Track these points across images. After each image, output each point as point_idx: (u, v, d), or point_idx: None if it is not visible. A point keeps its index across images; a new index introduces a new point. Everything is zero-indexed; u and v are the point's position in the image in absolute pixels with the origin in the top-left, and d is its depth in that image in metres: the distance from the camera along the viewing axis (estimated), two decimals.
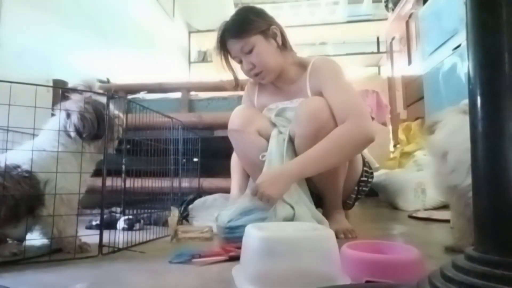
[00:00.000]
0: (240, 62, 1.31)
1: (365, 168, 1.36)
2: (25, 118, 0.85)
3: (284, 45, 1.31)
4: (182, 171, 1.68)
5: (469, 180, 0.41)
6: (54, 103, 1.96)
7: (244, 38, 1.24)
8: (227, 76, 1.38)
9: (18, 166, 0.92)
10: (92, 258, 0.92)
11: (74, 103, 1.01)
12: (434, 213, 1.76)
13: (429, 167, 1.03)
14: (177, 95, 2.16)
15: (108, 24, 2.77)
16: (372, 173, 1.40)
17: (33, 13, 1.98)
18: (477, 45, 0.39)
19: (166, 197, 1.42)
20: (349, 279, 0.64)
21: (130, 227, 1.34)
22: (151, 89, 2.18)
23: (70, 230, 0.97)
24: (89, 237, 1.00)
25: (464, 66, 2.08)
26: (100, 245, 0.95)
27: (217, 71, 1.37)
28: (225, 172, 1.95)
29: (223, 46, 1.31)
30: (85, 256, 0.93)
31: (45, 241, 1.00)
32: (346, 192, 1.33)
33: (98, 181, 1.00)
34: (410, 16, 3.16)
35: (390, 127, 3.37)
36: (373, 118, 2.21)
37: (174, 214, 1.15)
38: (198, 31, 4.70)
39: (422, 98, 2.75)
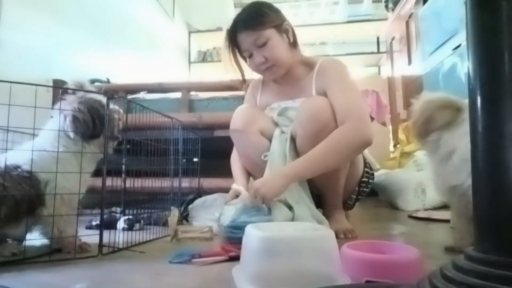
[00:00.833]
0: (249, 56, 1.28)
1: (366, 169, 1.36)
2: (25, 118, 0.85)
3: (294, 43, 1.31)
4: (182, 171, 1.68)
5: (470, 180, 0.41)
6: (54, 103, 1.96)
7: (259, 30, 1.22)
8: (233, 72, 1.36)
9: (19, 166, 0.92)
10: (92, 258, 0.92)
11: (68, 104, 1.01)
12: (434, 213, 1.76)
13: (429, 167, 1.03)
14: (177, 95, 2.16)
15: (108, 24, 2.77)
16: (373, 174, 1.40)
17: (33, 13, 1.98)
18: (477, 45, 0.39)
19: (166, 197, 1.42)
20: (349, 279, 0.64)
21: (130, 227, 1.34)
22: (151, 89, 2.18)
23: (70, 230, 0.97)
24: (89, 237, 1.00)
25: (464, 66, 2.08)
26: (100, 245, 0.95)
27: (225, 66, 1.36)
28: (225, 172, 1.95)
29: (232, 39, 1.29)
30: (85, 256, 0.93)
31: (45, 241, 1.00)
32: (347, 193, 1.33)
33: (98, 181, 1.00)
34: (410, 16, 3.16)
35: (390, 127, 3.37)
36: (373, 118, 2.20)
37: (174, 214, 1.15)
38: (198, 31, 4.70)
39: None
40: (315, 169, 1.12)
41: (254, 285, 0.62)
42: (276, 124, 1.29)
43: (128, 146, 1.24)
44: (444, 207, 1.99)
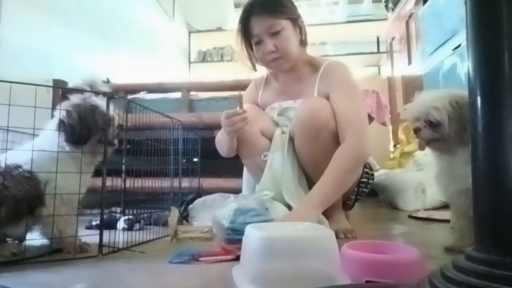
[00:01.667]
0: (258, 43, 1.25)
1: (365, 169, 1.36)
2: (25, 118, 0.85)
3: (304, 41, 1.30)
4: (182, 171, 1.68)
5: None
6: (54, 103, 1.96)
7: (277, 18, 1.21)
8: (244, 59, 1.34)
9: (19, 166, 0.92)
10: (92, 258, 0.92)
11: (64, 106, 1.00)
12: (434, 213, 1.76)
13: (437, 168, 1.00)
14: (177, 95, 2.17)
15: (108, 24, 2.77)
16: (372, 174, 1.40)
17: (33, 13, 1.98)
18: (477, 45, 0.39)
19: (166, 197, 1.42)
20: (349, 279, 0.64)
21: (130, 227, 1.34)
22: (151, 89, 2.18)
23: (70, 230, 0.97)
24: (89, 237, 1.00)
25: (464, 66, 2.08)
26: (100, 245, 0.95)
27: (237, 52, 1.35)
28: (225, 172, 1.96)
29: (245, 21, 1.26)
30: (85, 256, 0.93)
31: (45, 241, 1.00)
32: (347, 193, 1.33)
33: (98, 181, 1.00)
34: (410, 16, 3.16)
35: (390, 127, 3.36)
36: (373, 118, 2.20)
37: (174, 214, 1.15)
38: (198, 31, 4.70)
39: None
40: (338, 192, 1.14)
41: (254, 285, 0.62)
42: (277, 124, 1.29)
43: (128, 146, 1.24)
44: (444, 207, 1.99)
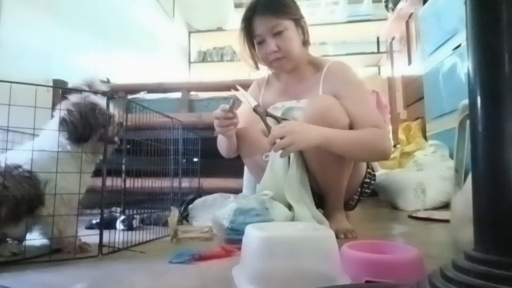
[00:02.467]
0: (260, 42, 1.26)
1: (368, 170, 1.36)
2: (25, 118, 0.85)
3: (306, 42, 1.31)
4: (182, 171, 1.68)
5: None
6: (54, 103, 1.96)
7: (280, 18, 1.21)
8: (247, 58, 1.35)
9: (19, 166, 0.92)
10: (92, 258, 0.92)
11: (64, 105, 1.00)
12: (434, 213, 1.76)
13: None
14: (177, 95, 2.17)
15: (108, 24, 2.77)
16: (374, 175, 1.40)
17: (33, 13, 1.98)
18: (477, 45, 0.39)
19: (166, 197, 1.42)
20: (349, 279, 0.64)
21: (129, 227, 1.34)
22: (151, 89, 2.18)
23: (70, 230, 0.97)
24: (89, 237, 1.00)
25: (464, 66, 2.08)
26: (100, 245, 0.95)
27: (240, 52, 1.34)
28: (225, 172, 1.96)
29: (247, 21, 1.26)
30: (85, 256, 0.93)
31: (45, 241, 1.00)
32: (349, 193, 1.33)
33: (98, 181, 1.00)
34: (410, 16, 3.16)
35: (390, 127, 3.37)
36: None
37: (174, 214, 1.15)
38: (198, 31, 4.70)
39: (422, 98, 2.75)
40: (342, 147, 1.10)
41: (254, 285, 0.62)
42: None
43: (128, 146, 1.24)
44: (444, 207, 1.99)
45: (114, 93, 1.04)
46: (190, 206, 1.51)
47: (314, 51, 1.38)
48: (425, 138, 2.59)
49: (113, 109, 1.06)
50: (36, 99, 0.84)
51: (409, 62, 3.21)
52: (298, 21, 1.26)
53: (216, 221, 1.13)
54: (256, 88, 1.47)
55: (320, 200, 1.30)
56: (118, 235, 1.04)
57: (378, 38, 4.60)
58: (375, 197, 2.36)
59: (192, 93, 2.19)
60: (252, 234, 0.68)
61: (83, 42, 2.44)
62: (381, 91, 2.95)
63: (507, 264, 0.34)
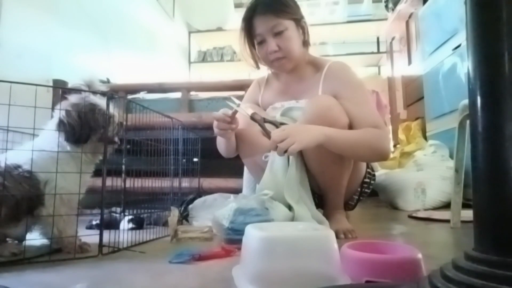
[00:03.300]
0: (260, 42, 1.26)
1: (368, 170, 1.36)
2: (25, 118, 0.85)
3: (306, 42, 1.31)
4: (182, 171, 1.68)
5: None
6: (54, 103, 1.96)
7: (281, 18, 1.21)
8: (247, 58, 1.35)
9: (19, 166, 0.92)
10: (92, 258, 0.92)
11: (63, 105, 1.00)
12: (434, 213, 1.76)
13: None
14: (177, 95, 2.17)
15: (108, 24, 2.77)
16: (374, 175, 1.40)
17: (33, 13, 1.98)
18: (477, 45, 0.39)
19: (166, 197, 1.42)
20: (349, 279, 0.64)
21: (140, 226, 1.35)
22: (151, 89, 2.18)
23: (70, 230, 0.97)
24: (89, 237, 1.00)
25: (464, 66, 2.08)
26: (100, 245, 0.95)
27: (240, 51, 1.35)
28: (225, 172, 1.96)
29: (248, 20, 1.26)
30: (85, 256, 0.93)
31: (45, 241, 1.00)
32: (349, 193, 1.33)
33: (98, 181, 1.00)
34: (410, 16, 3.16)
35: (390, 127, 3.36)
36: None
37: (174, 214, 1.15)
38: (198, 31, 4.70)
39: (422, 98, 2.75)
40: (343, 146, 1.10)
41: (254, 285, 0.62)
42: (279, 124, 1.28)
43: (128, 146, 1.24)
44: (444, 207, 1.99)
45: (114, 93, 1.04)
46: (190, 206, 1.51)
47: (314, 51, 1.39)
48: (425, 138, 2.59)
49: (113, 109, 1.06)
50: (36, 99, 0.84)
51: (409, 62, 3.21)
52: (298, 21, 1.26)
53: (216, 221, 1.13)
54: (256, 87, 1.46)
55: (320, 200, 1.30)
56: (118, 235, 1.03)
57: (378, 38, 4.60)
58: (375, 197, 2.36)
59: (192, 93, 2.19)
60: (252, 234, 0.68)
61: (83, 42, 2.44)
62: (381, 91, 2.95)
63: (507, 264, 0.34)
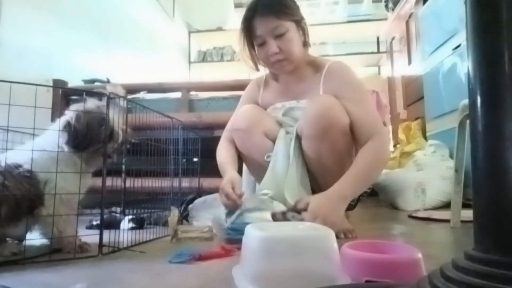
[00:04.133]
0: (261, 44, 1.25)
1: None
2: (25, 118, 0.85)
3: (306, 43, 1.31)
4: (182, 171, 1.68)
5: None
6: (54, 103, 1.96)
7: (281, 19, 1.20)
8: (247, 60, 1.34)
9: (20, 166, 0.92)
10: (92, 258, 0.92)
11: (74, 108, 1.01)
12: (434, 213, 1.76)
13: None
14: (177, 95, 2.17)
15: (108, 24, 2.77)
16: None
17: (33, 13, 1.98)
18: (477, 45, 0.39)
19: (166, 197, 1.42)
20: (349, 279, 0.64)
21: (140, 225, 1.35)
22: (151, 89, 2.18)
23: (70, 230, 0.97)
24: (89, 237, 1.01)
25: (464, 66, 2.08)
26: (100, 245, 0.95)
27: (240, 53, 1.35)
28: None
29: (248, 22, 1.25)
30: (85, 256, 0.93)
31: (45, 241, 1.00)
32: None
33: (98, 181, 1.00)
34: (410, 16, 3.16)
35: (390, 127, 3.36)
36: None
37: (174, 214, 1.15)
38: (198, 31, 4.71)
39: (422, 98, 2.75)
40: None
41: (254, 285, 0.62)
42: (280, 125, 1.28)
43: (128, 146, 1.24)
44: (444, 207, 1.99)
45: (114, 94, 1.04)
46: (190, 206, 1.51)
47: (314, 51, 1.38)
48: (425, 138, 2.59)
49: (117, 126, 1.05)
50: (36, 99, 0.84)
51: (409, 62, 3.21)
52: (299, 22, 1.26)
53: (216, 221, 1.13)
54: (255, 87, 1.46)
55: None
56: (118, 234, 1.03)
57: (378, 38, 4.60)
58: (375, 197, 2.36)
59: (192, 93, 2.19)
60: (252, 234, 0.68)
61: (83, 42, 2.44)
62: (381, 91, 2.94)
63: (507, 264, 0.34)
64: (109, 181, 1.04)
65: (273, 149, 1.23)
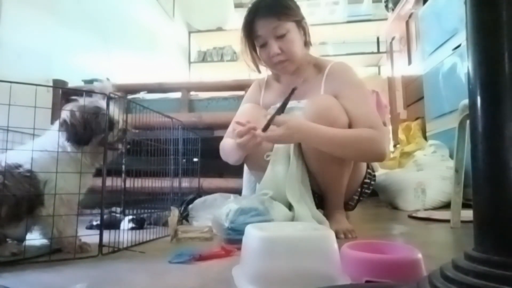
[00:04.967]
0: (262, 45, 1.25)
1: (368, 170, 1.36)
2: (25, 118, 0.85)
3: (307, 43, 1.31)
4: (182, 171, 1.68)
5: None
6: (54, 103, 1.96)
7: (282, 20, 1.20)
8: (248, 61, 1.34)
9: (20, 166, 0.92)
10: (92, 258, 0.92)
11: (69, 107, 1.00)
12: (434, 213, 1.76)
13: None
14: (177, 95, 2.17)
15: (108, 24, 2.77)
16: (374, 175, 1.40)
17: (33, 13, 1.98)
18: (477, 45, 0.39)
19: (166, 197, 1.42)
20: (349, 279, 0.64)
21: (140, 226, 1.35)
22: (151, 89, 2.18)
23: (70, 230, 0.97)
24: (89, 237, 1.00)
25: (464, 66, 2.08)
26: (100, 245, 0.95)
27: (241, 54, 1.34)
28: (225, 172, 1.96)
29: (249, 23, 1.25)
30: (85, 256, 0.93)
31: (45, 241, 1.00)
32: (349, 194, 1.33)
33: (98, 181, 1.00)
34: (410, 16, 3.16)
35: (390, 127, 3.37)
36: None
37: (174, 214, 1.15)
38: (198, 31, 4.70)
39: (422, 98, 2.75)
40: (325, 146, 1.11)
41: (254, 285, 0.62)
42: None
43: (128, 146, 1.24)
44: (444, 207, 1.99)
45: (114, 93, 1.04)
46: (190, 206, 1.51)
47: (314, 51, 1.38)
48: (425, 138, 2.59)
49: (117, 115, 1.05)
50: (36, 99, 0.84)
51: (409, 62, 3.21)
52: (299, 22, 1.26)
53: (216, 221, 1.13)
54: (257, 88, 1.46)
55: (320, 200, 1.30)
56: (118, 234, 1.03)
57: (378, 38, 4.60)
58: (375, 197, 2.36)
59: (192, 93, 2.19)
60: (252, 234, 0.68)
61: (83, 42, 2.44)
62: (381, 91, 2.95)
63: (507, 264, 0.34)
64: (109, 181, 1.04)
65: (272, 149, 1.23)
